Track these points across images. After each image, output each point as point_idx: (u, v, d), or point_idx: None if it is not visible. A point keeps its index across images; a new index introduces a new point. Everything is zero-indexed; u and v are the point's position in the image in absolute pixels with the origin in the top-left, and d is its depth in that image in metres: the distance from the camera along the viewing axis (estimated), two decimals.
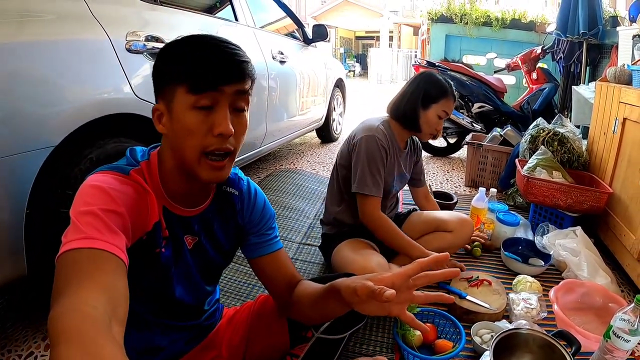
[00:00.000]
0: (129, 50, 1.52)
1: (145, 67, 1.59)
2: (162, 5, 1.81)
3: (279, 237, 1.05)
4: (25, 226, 1.20)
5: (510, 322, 1.49)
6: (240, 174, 1.01)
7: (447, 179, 3.47)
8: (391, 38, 21.65)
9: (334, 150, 4.44)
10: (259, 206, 1.00)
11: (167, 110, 0.77)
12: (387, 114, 1.77)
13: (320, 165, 3.80)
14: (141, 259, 0.78)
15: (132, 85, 1.52)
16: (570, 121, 2.85)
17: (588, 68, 3.72)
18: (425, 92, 1.65)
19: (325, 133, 4.64)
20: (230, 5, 2.52)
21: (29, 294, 1.37)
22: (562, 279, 1.75)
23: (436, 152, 4.30)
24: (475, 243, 2.10)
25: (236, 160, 0.85)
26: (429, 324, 1.45)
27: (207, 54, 0.74)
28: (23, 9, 1.21)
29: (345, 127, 5.31)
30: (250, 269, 1.06)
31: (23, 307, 1.53)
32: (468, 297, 1.60)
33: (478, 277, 1.72)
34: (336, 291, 0.78)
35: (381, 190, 1.65)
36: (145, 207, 0.78)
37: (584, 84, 3.23)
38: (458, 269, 0.69)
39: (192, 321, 1.01)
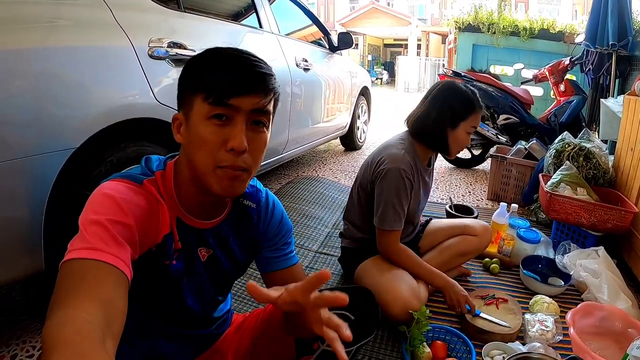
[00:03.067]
0: (151, 57, 1.55)
1: (167, 73, 1.63)
2: (186, 12, 1.85)
3: (294, 252, 1.02)
4: (44, 223, 1.24)
5: (524, 344, 1.45)
6: (259, 185, 0.99)
7: (470, 192, 3.41)
8: (419, 46, 21.49)
9: (357, 158, 4.43)
10: (275, 220, 0.98)
11: (185, 119, 0.77)
12: (408, 130, 1.68)
13: (343, 173, 3.79)
14: (150, 270, 0.78)
15: (154, 90, 1.56)
16: (598, 135, 2.76)
17: (617, 80, 3.60)
18: (452, 110, 1.54)
19: (349, 141, 4.63)
20: (255, 13, 2.55)
21: (45, 289, 1.42)
22: (582, 300, 1.69)
23: (460, 164, 4.23)
24: (494, 259, 2.06)
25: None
26: (439, 342, 1.43)
27: (228, 64, 0.73)
28: (53, 16, 1.26)
29: (370, 136, 5.29)
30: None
31: (39, 302, 1.59)
32: (482, 315, 1.56)
33: (494, 295, 1.68)
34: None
35: (402, 222, 1.59)
36: (156, 219, 0.77)
37: (613, 96, 3.13)
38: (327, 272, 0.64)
39: (202, 330, 1.00)
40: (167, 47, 1.62)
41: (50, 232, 1.26)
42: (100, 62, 1.38)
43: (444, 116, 1.55)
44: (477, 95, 1.59)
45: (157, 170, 0.81)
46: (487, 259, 2.08)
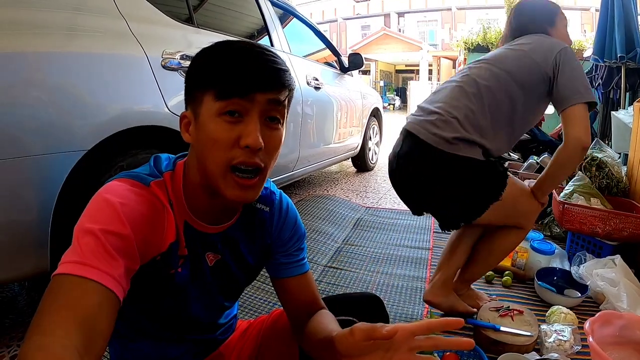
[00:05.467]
0: (164, 67, 1.61)
1: (179, 84, 1.66)
2: (199, 27, 1.92)
3: (306, 259, 0.98)
4: (52, 224, 1.26)
5: (540, 355, 1.40)
6: (273, 187, 0.95)
7: None
8: (430, 71, 21.72)
9: (369, 179, 4.43)
10: (289, 224, 0.94)
11: (194, 117, 0.72)
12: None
13: (354, 192, 3.80)
14: (154, 279, 0.75)
15: (166, 99, 1.60)
16: (611, 149, 2.73)
17: (627, 94, 3.57)
18: (546, 12, 1.62)
19: (360, 162, 4.64)
20: (266, 32, 2.63)
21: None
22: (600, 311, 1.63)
23: None
24: (506, 272, 2.02)
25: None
26: (451, 354, 1.38)
27: (239, 58, 0.68)
28: (71, 23, 1.33)
29: (382, 157, 5.28)
30: (271, 287, 1.02)
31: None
32: (502, 329, 1.51)
33: (509, 307, 1.64)
34: (329, 341, 0.69)
35: None
36: (161, 227, 0.73)
37: (624, 109, 3.11)
38: (461, 319, 0.63)
39: (207, 335, 0.98)
40: (180, 59, 1.67)
41: (58, 233, 1.28)
42: (115, 69, 1.43)
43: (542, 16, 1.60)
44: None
45: (166, 171, 0.77)
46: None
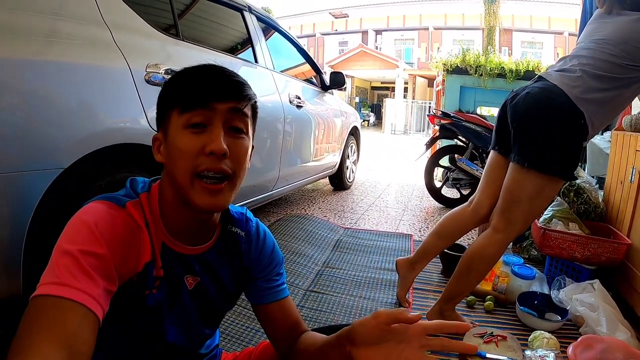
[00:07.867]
0: (147, 82, 1.55)
1: None
2: (184, 41, 1.87)
3: (286, 284, 1.00)
4: (25, 246, 1.18)
5: None
6: (249, 214, 0.97)
7: None
8: (406, 89, 22.12)
9: (346, 198, 4.43)
10: (267, 250, 0.96)
11: (164, 137, 0.76)
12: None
13: (332, 212, 3.77)
14: (130, 300, 0.74)
15: (148, 116, 1.53)
16: (585, 172, 2.81)
17: None
18: None
19: (337, 181, 4.64)
20: (251, 48, 2.60)
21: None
22: (580, 334, 1.66)
23: (449, 204, 4.22)
24: (488, 297, 2.03)
25: (248, 202, 0.82)
26: None
27: (199, 74, 0.74)
28: (50, 29, 1.25)
29: (359, 176, 5.29)
30: (252, 313, 1.00)
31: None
32: (488, 355, 1.50)
33: (492, 332, 1.64)
34: (341, 338, 0.73)
35: None
36: (137, 247, 0.74)
37: (599, 134, 3.21)
38: (467, 323, 0.66)
39: None
40: (164, 73, 1.62)
41: (31, 254, 1.20)
42: (96, 81, 1.36)
43: None
44: None
45: (141, 193, 0.79)
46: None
